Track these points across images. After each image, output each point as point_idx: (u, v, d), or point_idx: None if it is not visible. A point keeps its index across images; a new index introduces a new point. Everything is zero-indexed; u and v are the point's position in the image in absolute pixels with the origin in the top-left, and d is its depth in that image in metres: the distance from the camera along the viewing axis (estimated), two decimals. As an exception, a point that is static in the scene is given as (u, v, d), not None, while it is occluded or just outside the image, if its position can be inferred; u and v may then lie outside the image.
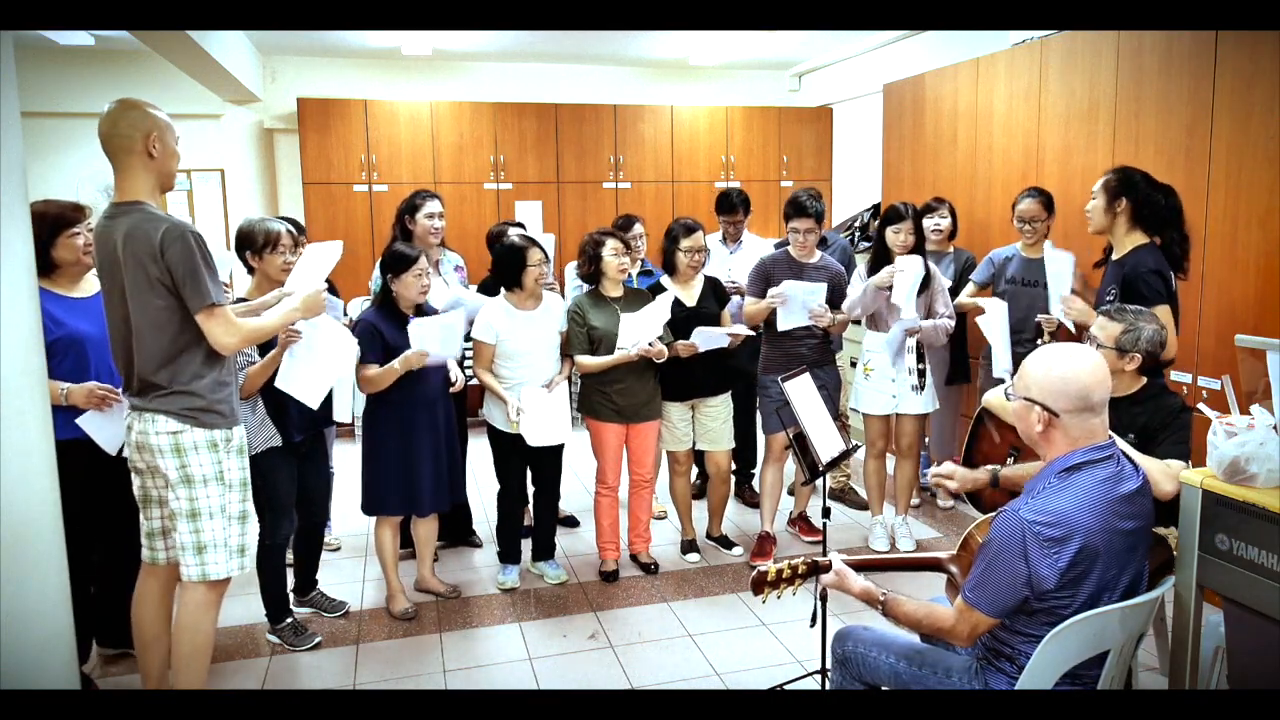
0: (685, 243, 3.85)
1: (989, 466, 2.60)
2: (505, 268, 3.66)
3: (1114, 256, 3.21)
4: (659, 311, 3.63)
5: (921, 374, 3.96)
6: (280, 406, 3.11)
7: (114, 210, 2.45)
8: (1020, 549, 1.84)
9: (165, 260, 2.37)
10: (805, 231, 3.96)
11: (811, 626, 2.46)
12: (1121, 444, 2.51)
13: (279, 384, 2.98)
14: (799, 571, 2.23)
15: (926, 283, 4.00)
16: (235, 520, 2.60)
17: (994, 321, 3.81)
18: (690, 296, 3.91)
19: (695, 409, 4.00)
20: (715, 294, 4.01)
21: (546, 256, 3.72)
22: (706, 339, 3.73)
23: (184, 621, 2.60)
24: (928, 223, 4.44)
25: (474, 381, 3.77)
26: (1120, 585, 1.93)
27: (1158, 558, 2.25)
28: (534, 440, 3.59)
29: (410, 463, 3.44)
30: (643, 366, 3.76)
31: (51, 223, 2.81)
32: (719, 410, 4.02)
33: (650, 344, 3.59)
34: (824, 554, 2.36)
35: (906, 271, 3.83)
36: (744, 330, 3.82)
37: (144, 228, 2.38)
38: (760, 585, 2.23)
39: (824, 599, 2.71)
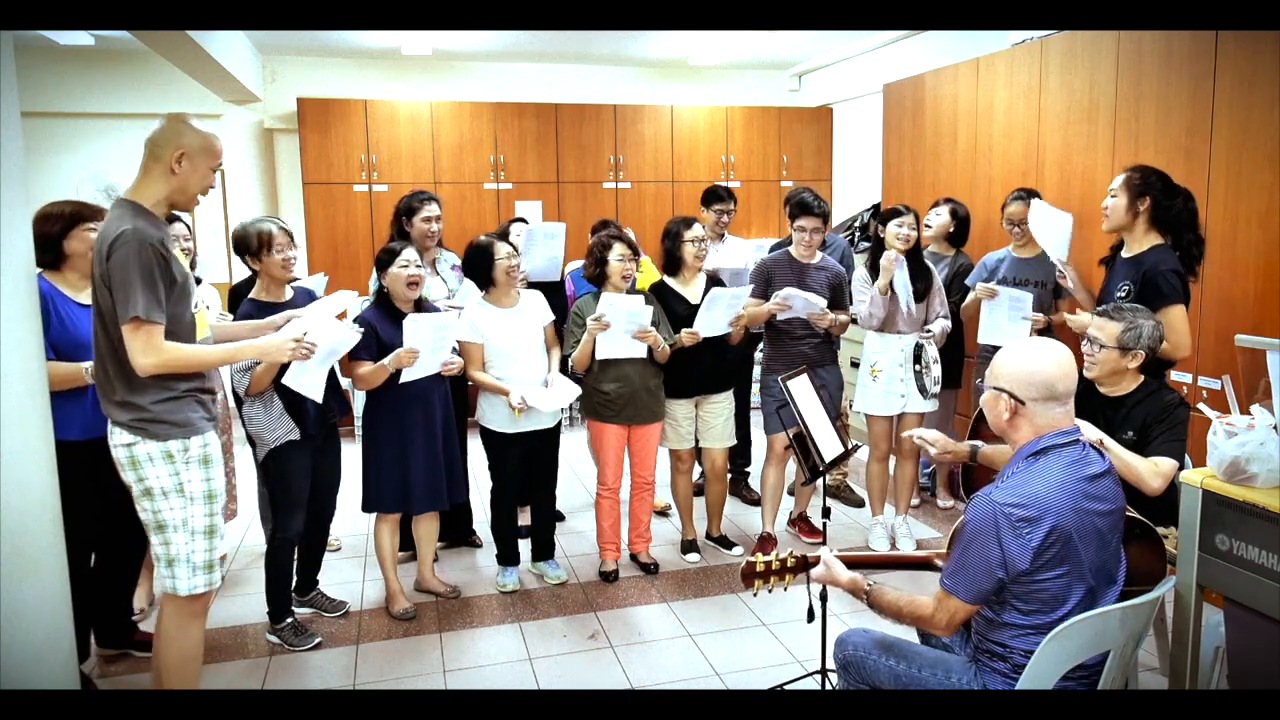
0: (689, 233, 3.86)
1: (972, 441, 2.64)
2: (475, 269, 3.68)
3: (1126, 254, 3.20)
4: (639, 303, 3.62)
5: (937, 381, 3.94)
6: (296, 400, 3.12)
7: (112, 206, 2.44)
8: (993, 532, 1.87)
9: (108, 264, 2.28)
10: (812, 230, 3.95)
11: (809, 622, 2.46)
12: (1110, 442, 2.52)
13: (286, 381, 2.99)
14: (788, 565, 2.28)
15: (928, 289, 4.01)
16: (200, 535, 2.46)
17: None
18: (694, 294, 3.91)
19: (699, 406, 4.01)
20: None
21: (516, 250, 3.74)
22: (708, 324, 3.74)
23: (164, 630, 2.55)
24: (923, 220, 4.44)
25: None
26: (1094, 570, 1.93)
27: (1153, 558, 2.26)
28: (546, 407, 3.60)
29: (405, 460, 3.44)
30: (647, 370, 3.77)
31: (68, 218, 2.86)
32: (721, 407, 4.02)
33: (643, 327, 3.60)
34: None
35: (891, 267, 3.86)
36: (744, 302, 3.83)
37: (110, 226, 2.33)
38: (750, 576, 2.28)
39: (824, 598, 2.72)
